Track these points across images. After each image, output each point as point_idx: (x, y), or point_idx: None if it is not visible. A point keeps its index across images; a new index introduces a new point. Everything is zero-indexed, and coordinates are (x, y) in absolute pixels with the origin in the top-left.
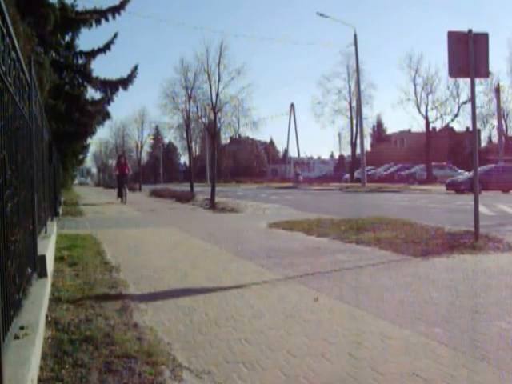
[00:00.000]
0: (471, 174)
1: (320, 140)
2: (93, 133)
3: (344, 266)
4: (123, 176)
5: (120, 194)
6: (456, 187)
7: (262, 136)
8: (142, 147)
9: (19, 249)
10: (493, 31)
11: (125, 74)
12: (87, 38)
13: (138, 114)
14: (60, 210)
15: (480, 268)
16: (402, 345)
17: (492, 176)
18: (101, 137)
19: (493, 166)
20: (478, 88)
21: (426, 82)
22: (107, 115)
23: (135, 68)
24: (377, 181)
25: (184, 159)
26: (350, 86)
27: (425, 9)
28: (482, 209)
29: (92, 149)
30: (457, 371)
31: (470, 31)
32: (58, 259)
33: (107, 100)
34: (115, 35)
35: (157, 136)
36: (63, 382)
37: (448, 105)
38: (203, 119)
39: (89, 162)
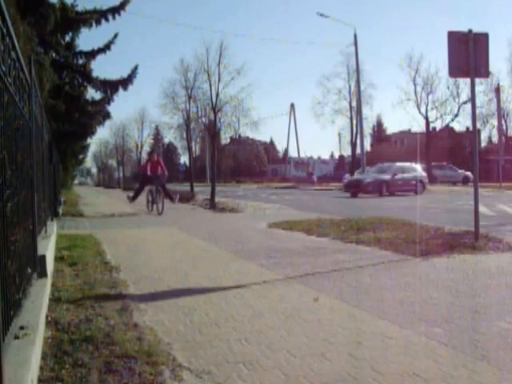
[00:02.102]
0: (377, 175)
1: (320, 140)
2: (93, 133)
3: (344, 265)
4: (155, 177)
5: (152, 201)
6: (362, 189)
7: (262, 136)
8: (141, 147)
9: (19, 249)
10: (493, 31)
11: (125, 74)
12: (87, 38)
13: (137, 114)
14: (60, 210)
15: (480, 268)
16: (402, 345)
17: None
18: (101, 137)
19: (382, 164)
20: (478, 88)
21: (426, 82)
22: (107, 115)
23: (135, 68)
24: None
25: (184, 159)
26: (350, 86)
27: (425, 9)
28: (481, 209)
29: (92, 149)
30: (457, 371)
31: (470, 31)
32: (58, 259)
33: (107, 100)
34: (115, 35)
35: (157, 136)
36: (63, 382)
37: (448, 105)
38: (203, 119)
39: (89, 162)
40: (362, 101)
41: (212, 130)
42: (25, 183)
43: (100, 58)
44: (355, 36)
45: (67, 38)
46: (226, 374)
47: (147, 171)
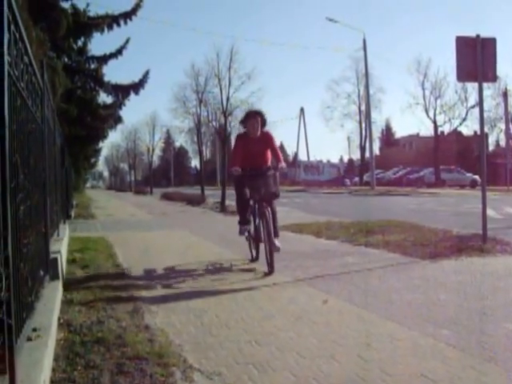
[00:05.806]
0: None
1: (329, 144)
2: (104, 137)
3: (353, 268)
4: (259, 176)
5: (255, 239)
6: None
7: None
8: (153, 151)
9: (32, 251)
10: (500, 36)
11: (136, 78)
12: (99, 43)
13: (149, 118)
14: (72, 213)
15: (488, 270)
16: (410, 346)
17: None
18: (112, 140)
19: None
20: (486, 92)
21: (434, 87)
22: (119, 119)
23: (146, 73)
24: (386, 184)
25: (195, 163)
26: (359, 90)
27: (433, 14)
28: (489, 212)
29: (104, 152)
30: (464, 372)
31: (477, 36)
32: (70, 261)
33: (119, 104)
34: (127, 40)
35: (168, 140)
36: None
37: (456, 109)
38: (214, 123)
39: (101, 166)
40: (371, 105)
41: (222, 134)
42: (37, 186)
43: (112, 62)
44: (364, 41)
45: (79, 43)
46: (236, 375)
47: (236, 163)
